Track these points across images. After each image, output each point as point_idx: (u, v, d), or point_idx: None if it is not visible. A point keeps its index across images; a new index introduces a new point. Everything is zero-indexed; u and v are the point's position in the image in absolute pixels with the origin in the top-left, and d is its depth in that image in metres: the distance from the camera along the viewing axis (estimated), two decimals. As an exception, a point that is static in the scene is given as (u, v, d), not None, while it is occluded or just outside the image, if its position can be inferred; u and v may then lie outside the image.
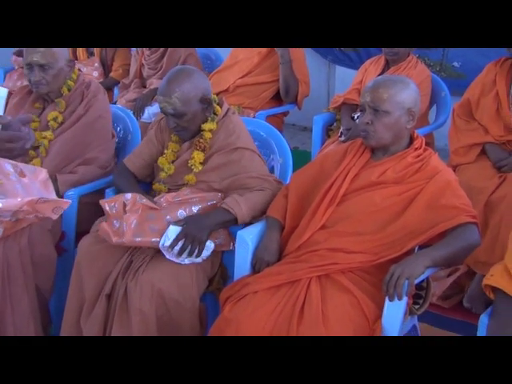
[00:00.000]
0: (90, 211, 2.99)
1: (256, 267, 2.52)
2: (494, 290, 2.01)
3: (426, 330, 3.06)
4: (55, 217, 1.93)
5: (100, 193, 3.02)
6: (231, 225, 2.66)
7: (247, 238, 2.58)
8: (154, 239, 2.54)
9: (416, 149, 2.52)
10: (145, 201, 2.59)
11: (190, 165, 2.75)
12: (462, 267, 3.40)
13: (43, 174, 2.09)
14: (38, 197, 1.88)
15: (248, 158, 2.75)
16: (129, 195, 2.61)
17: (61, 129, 3.11)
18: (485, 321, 2.00)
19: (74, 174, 3.04)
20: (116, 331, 2.54)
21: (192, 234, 2.54)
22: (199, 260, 2.58)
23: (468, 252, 2.40)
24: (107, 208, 2.59)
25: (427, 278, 2.52)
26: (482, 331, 2.00)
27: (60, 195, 2.94)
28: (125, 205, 2.58)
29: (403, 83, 2.49)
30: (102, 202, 2.62)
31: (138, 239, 2.52)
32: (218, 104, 2.83)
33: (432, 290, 3.33)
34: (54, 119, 3.10)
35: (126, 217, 2.53)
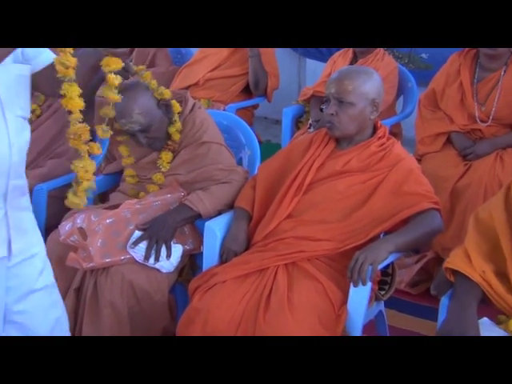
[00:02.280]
0: (59, 206, 2.99)
1: (223, 257, 2.55)
2: (455, 272, 2.05)
3: (393, 317, 3.12)
4: None
5: (70, 187, 3.03)
6: (196, 219, 2.69)
7: (215, 229, 2.60)
8: (123, 257, 2.57)
9: (379, 138, 2.56)
10: (98, 219, 2.61)
11: (158, 165, 2.78)
12: (430, 253, 3.46)
13: None
14: None
15: (215, 151, 2.78)
16: (81, 217, 2.63)
17: (38, 121, 3.14)
18: (445, 302, 2.04)
19: (42, 168, 3.05)
20: (87, 325, 2.56)
21: (156, 234, 2.57)
22: (171, 267, 2.60)
23: (430, 237, 2.45)
24: (70, 242, 2.59)
25: (392, 264, 2.57)
26: (442, 312, 2.03)
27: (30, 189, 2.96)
28: (82, 230, 2.59)
29: (367, 74, 2.53)
30: (61, 239, 2.61)
31: (108, 260, 2.55)
32: (177, 100, 2.81)
33: (399, 278, 3.42)
34: (32, 112, 3.12)
35: (90, 241, 2.55)
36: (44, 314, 1.96)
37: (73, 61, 1.87)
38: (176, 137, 2.76)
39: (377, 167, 2.50)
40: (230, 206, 2.71)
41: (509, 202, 2.06)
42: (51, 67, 1.87)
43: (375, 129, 2.60)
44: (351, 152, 2.55)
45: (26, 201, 1.93)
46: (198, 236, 2.71)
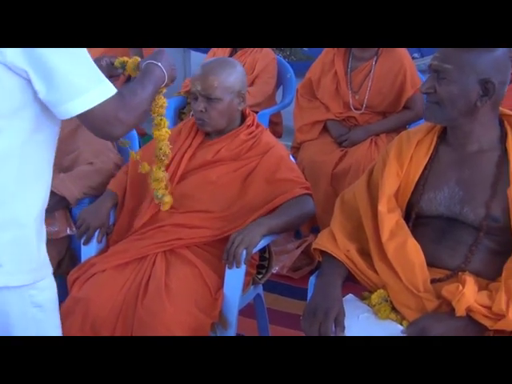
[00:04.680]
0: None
1: (81, 229, 2.52)
2: (322, 252, 2.14)
3: (275, 301, 3.22)
4: None
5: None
6: (64, 205, 2.67)
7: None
8: None
9: (248, 126, 2.60)
10: None
11: None
12: (310, 238, 3.58)
13: None
14: None
15: (88, 134, 2.74)
16: None
17: None
18: (313, 281, 2.13)
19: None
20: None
21: None
22: None
23: (303, 220, 2.55)
24: None
25: (269, 249, 2.65)
26: (310, 290, 2.11)
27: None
28: None
29: (230, 67, 2.54)
30: None
31: None
32: None
33: (281, 263, 3.51)
34: None
35: None
36: None
37: (163, 101, 2.14)
38: None
39: (247, 155, 2.55)
40: (97, 190, 2.69)
41: (370, 185, 2.16)
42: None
43: (244, 117, 2.64)
44: (221, 141, 2.58)
45: None
46: (66, 220, 2.68)
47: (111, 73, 2.10)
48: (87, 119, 1.64)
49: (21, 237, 1.71)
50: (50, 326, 1.84)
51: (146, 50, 4.35)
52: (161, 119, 2.21)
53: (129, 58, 2.10)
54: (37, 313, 1.78)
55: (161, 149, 2.27)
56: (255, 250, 2.37)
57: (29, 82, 1.56)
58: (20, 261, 1.72)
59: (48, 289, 1.83)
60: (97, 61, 1.98)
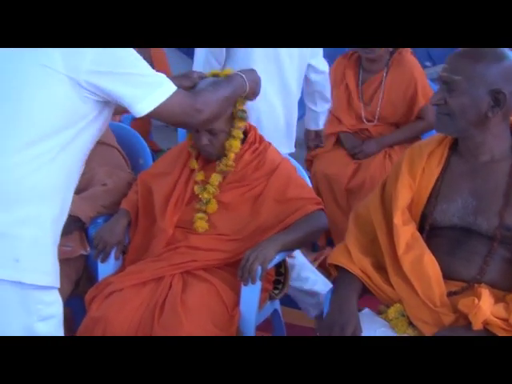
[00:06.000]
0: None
1: (98, 247, 2.52)
2: (337, 267, 2.13)
3: (289, 314, 3.19)
4: None
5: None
6: (79, 226, 2.65)
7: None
8: None
9: (251, 143, 2.55)
10: None
11: None
12: (327, 251, 3.57)
13: None
14: None
15: (104, 152, 2.79)
16: None
17: None
18: (328, 296, 2.12)
19: None
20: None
21: None
22: None
23: (316, 236, 2.56)
24: None
25: (285, 264, 2.65)
26: (326, 306, 2.11)
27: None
28: None
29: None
30: None
31: None
32: None
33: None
34: None
35: None
36: None
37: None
38: None
39: (254, 177, 2.50)
40: (110, 209, 2.69)
41: (384, 198, 2.16)
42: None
43: (245, 132, 2.56)
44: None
45: None
46: (81, 241, 2.68)
47: None
48: (165, 112, 1.87)
49: (40, 237, 1.80)
50: None
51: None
52: (236, 130, 2.42)
53: (220, 72, 2.41)
54: (41, 327, 1.83)
55: (228, 159, 2.46)
56: (270, 265, 2.38)
57: (87, 98, 1.80)
58: (37, 260, 1.80)
59: (54, 304, 1.88)
60: (186, 74, 2.34)
